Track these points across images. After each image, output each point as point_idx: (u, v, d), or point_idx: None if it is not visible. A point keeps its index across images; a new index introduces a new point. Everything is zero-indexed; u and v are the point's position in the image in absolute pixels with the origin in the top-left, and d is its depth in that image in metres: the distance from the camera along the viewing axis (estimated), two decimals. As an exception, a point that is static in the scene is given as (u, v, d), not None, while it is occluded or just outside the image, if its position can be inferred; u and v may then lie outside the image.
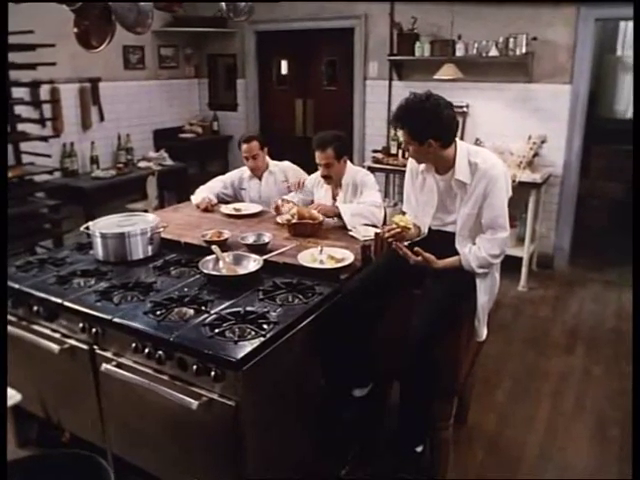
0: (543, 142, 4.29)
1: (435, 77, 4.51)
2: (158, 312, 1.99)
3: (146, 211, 5.16)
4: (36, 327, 2.26)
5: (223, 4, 2.72)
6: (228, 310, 1.99)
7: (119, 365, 2.00)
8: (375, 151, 5.20)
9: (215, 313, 1.97)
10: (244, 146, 3.43)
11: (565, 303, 4.25)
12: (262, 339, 1.79)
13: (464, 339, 2.21)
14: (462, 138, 4.98)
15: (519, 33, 4.27)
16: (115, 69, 5.34)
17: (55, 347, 2.12)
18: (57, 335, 2.19)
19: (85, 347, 2.10)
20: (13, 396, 1.48)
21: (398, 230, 2.17)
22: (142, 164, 5.33)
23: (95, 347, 2.08)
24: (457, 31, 4.57)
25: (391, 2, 4.95)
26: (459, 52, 4.56)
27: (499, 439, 2.75)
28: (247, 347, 1.74)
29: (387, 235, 2.19)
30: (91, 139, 5.16)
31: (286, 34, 5.64)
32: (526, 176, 4.20)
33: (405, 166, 4.78)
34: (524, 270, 4.45)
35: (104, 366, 1.99)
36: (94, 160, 5.12)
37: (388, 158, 5.01)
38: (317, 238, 2.79)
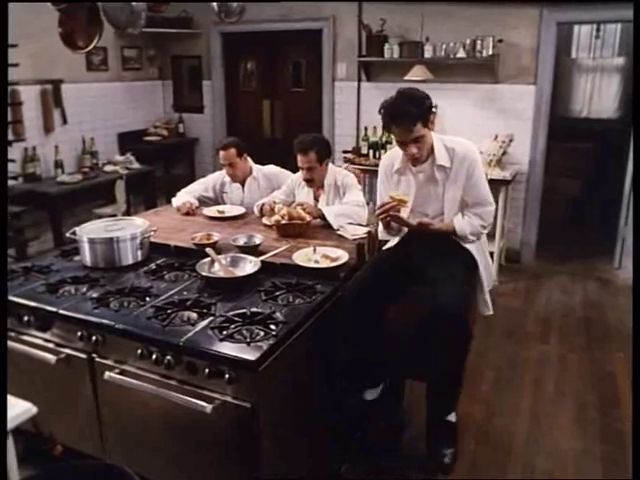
0: (511, 141, 4.45)
1: (406, 78, 4.60)
2: (161, 317, 1.96)
3: (115, 215, 5.04)
4: (26, 338, 2.18)
5: (215, 5, 2.68)
6: (233, 312, 1.97)
7: (122, 372, 1.95)
8: (345, 151, 5.25)
9: (221, 315, 1.95)
10: (221, 153, 3.36)
11: (535, 295, 4.42)
12: (275, 339, 1.79)
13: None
14: (431, 138, 5.09)
15: (486, 35, 4.42)
16: (77, 70, 5.18)
17: (51, 357, 2.05)
18: (51, 345, 2.12)
19: (83, 356, 2.04)
20: (29, 409, 1.42)
21: (394, 203, 2.28)
22: (108, 168, 5.19)
23: (94, 355, 2.03)
24: (425, 33, 4.67)
25: (359, 3, 5.01)
26: (427, 54, 4.66)
27: (488, 428, 2.84)
28: (262, 347, 1.74)
29: (381, 210, 2.30)
30: (54, 143, 4.99)
31: (253, 35, 5.62)
32: (496, 174, 4.34)
33: (377, 165, 4.93)
34: (495, 264, 4.59)
35: (107, 374, 1.94)
36: (58, 164, 4.95)
37: (359, 158, 5.07)
38: (306, 238, 2.80)
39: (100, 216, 5.11)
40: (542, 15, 4.36)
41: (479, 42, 4.44)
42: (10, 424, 1.39)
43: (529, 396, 3.09)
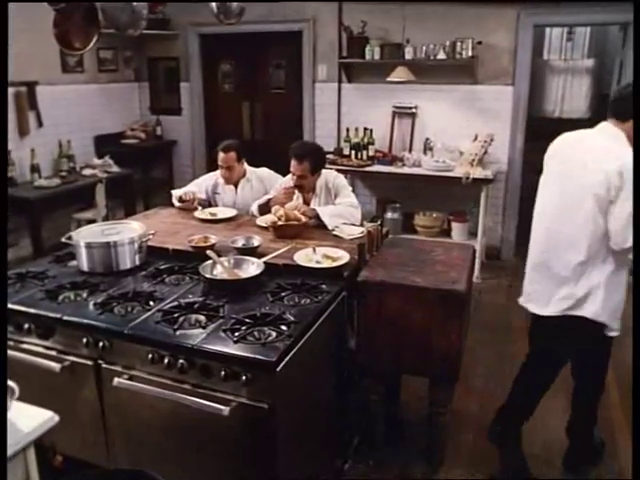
0: (492, 140, 4.56)
1: (389, 79, 4.66)
2: (170, 321, 1.94)
3: (95, 220, 4.95)
4: (26, 346, 2.12)
5: (214, 5, 2.66)
6: (244, 314, 1.97)
7: (131, 378, 1.93)
8: (327, 153, 5.26)
9: (231, 317, 1.95)
10: (220, 155, 3.35)
11: (517, 291, 4.42)
12: (290, 339, 1.80)
13: (465, 324, 2.33)
14: (412, 138, 5.18)
15: (465, 37, 4.51)
16: (53, 72, 5.06)
17: (55, 365, 2.01)
18: (53, 353, 2.07)
19: (89, 362, 2.01)
20: (51, 418, 1.39)
21: None
22: (86, 172, 5.08)
23: (100, 362, 1.99)
24: (406, 35, 4.74)
25: (339, 4, 5.05)
26: (408, 55, 4.74)
27: (484, 421, 2.88)
28: (279, 348, 1.74)
29: None
30: (29, 146, 4.85)
31: (232, 37, 5.58)
32: (479, 173, 4.44)
33: (359, 166, 4.98)
34: (477, 262, 4.69)
35: (116, 380, 1.91)
36: (35, 168, 4.82)
37: (342, 159, 5.10)
38: (302, 239, 2.81)
39: (79, 221, 5.02)
40: (519, 18, 4.49)
41: (459, 44, 4.54)
42: (33, 434, 1.36)
43: (520, 389, 3.17)
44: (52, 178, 4.77)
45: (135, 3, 2.04)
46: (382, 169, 4.93)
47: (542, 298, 2.35)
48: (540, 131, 6.01)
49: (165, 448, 1.99)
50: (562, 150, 2.30)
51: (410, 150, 5.09)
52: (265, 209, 3.14)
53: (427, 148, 5.00)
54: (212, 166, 5.86)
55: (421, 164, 4.78)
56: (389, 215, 5.03)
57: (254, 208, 3.21)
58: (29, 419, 1.39)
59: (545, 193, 2.33)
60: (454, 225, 4.91)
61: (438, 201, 5.02)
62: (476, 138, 4.75)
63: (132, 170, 5.53)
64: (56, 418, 1.41)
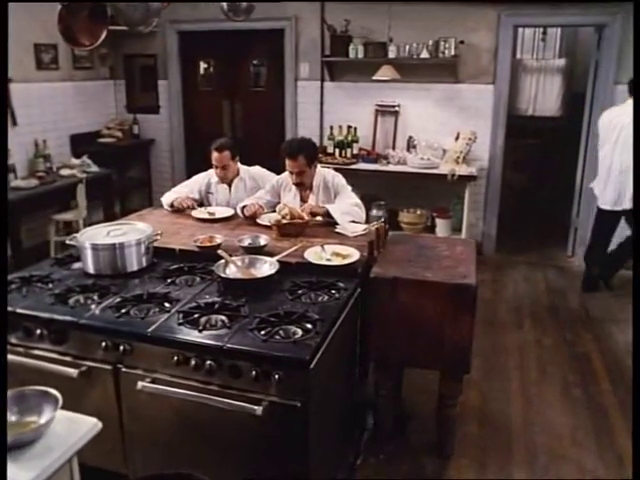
0: (476, 138, 4.65)
1: (374, 78, 4.70)
2: (193, 322, 1.92)
3: (75, 222, 4.82)
4: (38, 352, 2.05)
5: (224, 4, 2.62)
6: (267, 313, 1.96)
7: (154, 381, 1.89)
8: (311, 151, 5.27)
9: (255, 317, 1.93)
10: (215, 154, 3.31)
11: (502, 285, 4.65)
12: (319, 336, 1.81)
13: (474, 320, 2.38)
14: (395, 136, 5.23)
15: (448, 37, 4.59)
16: (27, 69, 4.88)
17: (72, 371, 1.95)
18: (68, 358, 2.02)
19: (108, 367, 1.96)
20: (95, 425, 1.35)
21: None
22: (64, 172, 4.92)
23: (119, 366, 1.95)
24: (389, 34, 4.78)
25: (321, 3, 5.05)
26: (391, 54, 4.78)
27: (486, 412, 2.98)
28: (311, 345, 1.75)
29: None
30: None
31: (211, 34, 5.50)
32: (463, 170, 4.53)
33: (344, 164, 5.00)
34: (462, 257, 4.77)
35: (140, 384, 1.87)
36: (11, 169, 4.64)
37: (326, 157, 5.11)
38: (307, 237, 2.81)
39: (58, 222, 4.88)
40: (500, 19, 4.60)
41: (442, 43, 4.61)
42: (79, 444, 1.31)
43: (516, 380, 3.27)
44: (29, 179, 4.61)
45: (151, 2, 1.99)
46: (367, 167, 4.96)
47: (625, 201, 4.04)
48: (515, 129, 6.21)
49: (189, 451, 1.96)
50: (616, 119, 3.96)
51: (393, 148, 5.15)
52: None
53: (410, 146, 5.07)
54: (191, 165, 5.81)
55: (406, 162, 4.84)
56: (374, 212, 5.05)
57: (238, 210, 3.19)
58: (73, 427, 1.35)
59: (618, 144, 3.94)
60: (438, 221, 4.98)
61: (422, 198, 5.09)
62: (458, 136, 4.84)
63: (109, 170, 5.39)
64: (99, 425, 1.37)
